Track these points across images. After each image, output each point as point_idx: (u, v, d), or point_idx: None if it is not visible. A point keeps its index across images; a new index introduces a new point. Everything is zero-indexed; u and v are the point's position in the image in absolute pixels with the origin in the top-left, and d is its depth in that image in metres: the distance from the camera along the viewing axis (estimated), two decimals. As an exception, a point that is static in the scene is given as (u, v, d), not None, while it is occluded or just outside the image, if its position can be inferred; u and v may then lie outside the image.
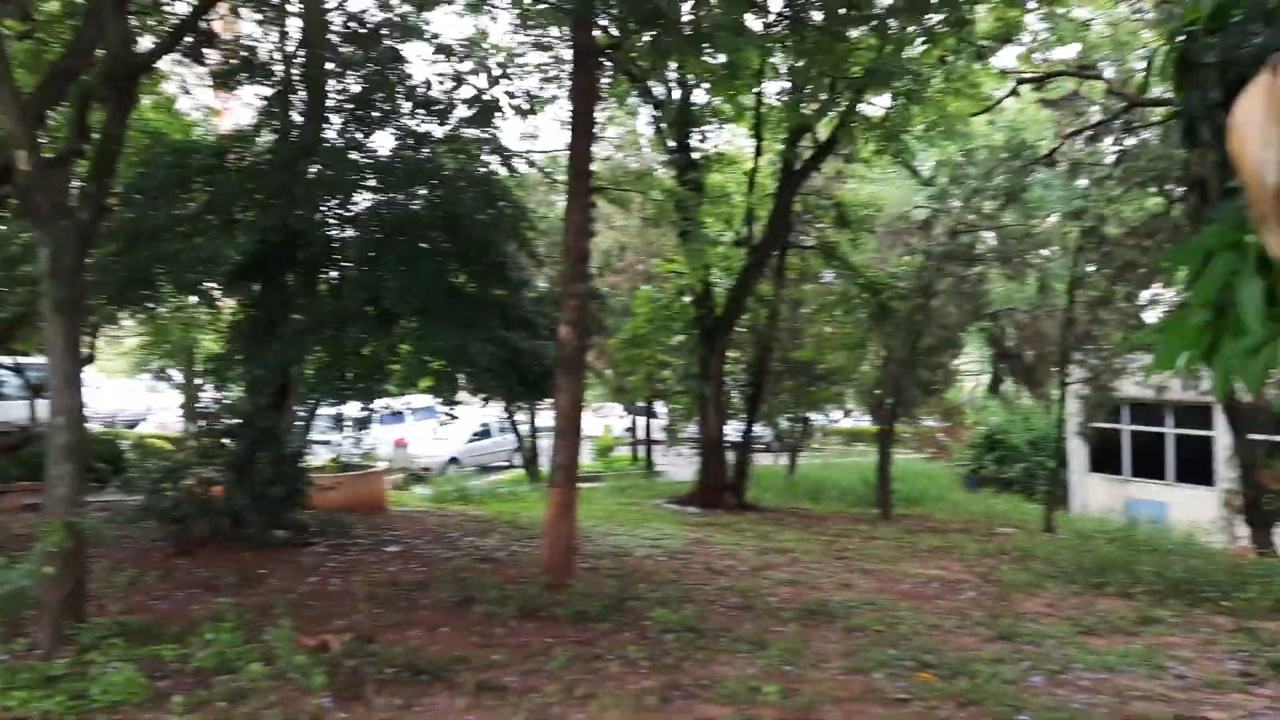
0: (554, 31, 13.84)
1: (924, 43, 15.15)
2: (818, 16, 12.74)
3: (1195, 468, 21.40)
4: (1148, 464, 23.07)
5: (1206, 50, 3.95)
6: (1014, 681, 6.66)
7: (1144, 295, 15.95)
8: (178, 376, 13.49)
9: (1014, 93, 16.44)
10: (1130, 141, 15.59)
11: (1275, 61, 1.54)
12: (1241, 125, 1.55)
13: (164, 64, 12.78)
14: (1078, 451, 24.08)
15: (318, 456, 13.50)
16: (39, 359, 15.52)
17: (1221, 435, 17.33)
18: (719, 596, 9.28)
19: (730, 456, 18.25)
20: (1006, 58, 17.89)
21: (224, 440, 11.22)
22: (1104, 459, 24.08)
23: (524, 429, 24.33)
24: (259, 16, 11.70)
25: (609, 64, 13.00)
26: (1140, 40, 15.03)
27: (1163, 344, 2.42)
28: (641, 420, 27.73)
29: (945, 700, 6.19)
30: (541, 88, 16.08)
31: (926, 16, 13.39)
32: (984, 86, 16.88)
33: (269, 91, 11.44)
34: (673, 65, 14.36)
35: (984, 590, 10.10)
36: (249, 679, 5.80)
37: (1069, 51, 17.34)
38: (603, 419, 34.50)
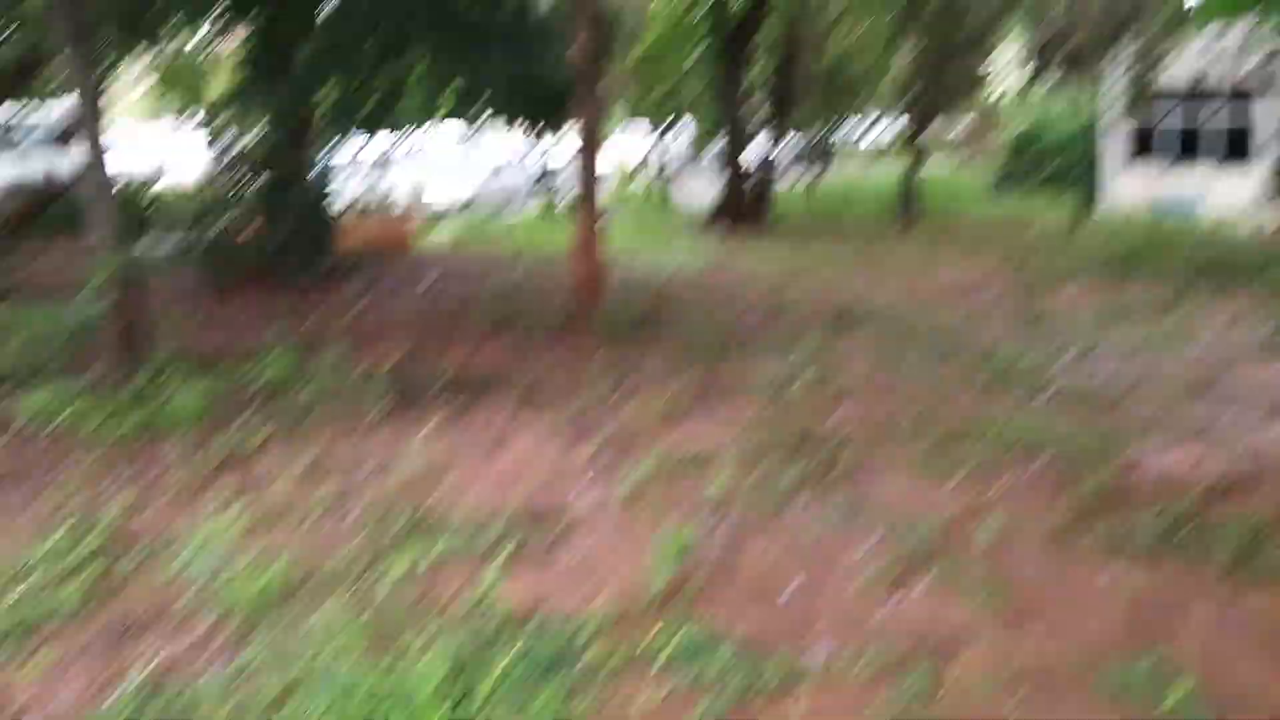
0: None
1: None
2: None
3: (1235, 150, 20.78)
4: (1185, 154, 22.39)
5: None
6: (1039, 366, 6.88)
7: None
8: (194, 120, 13.07)
9: None
10: None
11: None
12: None
13: None
14: (1112, 147, 23.42)
15: (341, 200, 13.38)
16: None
17: (1262, 120, 16.70)
18: (747, 309, 9.45)
19: (754, 177, 17.94)
20: None
21: (248, 183, 11.12)
22: (1140, 152, 23.40)
23: (541, 167, 23.89)
24: None
25: None
26: None
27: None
28: (661, 147, 27.07)
29: (969, 387, 6.44)
30: None
31: None
32: None
33: None
34: None
35: (1011, 287, 10.20)
36: (312, 394, 6.17)
37: None
38: (621, 152, 33.71)
